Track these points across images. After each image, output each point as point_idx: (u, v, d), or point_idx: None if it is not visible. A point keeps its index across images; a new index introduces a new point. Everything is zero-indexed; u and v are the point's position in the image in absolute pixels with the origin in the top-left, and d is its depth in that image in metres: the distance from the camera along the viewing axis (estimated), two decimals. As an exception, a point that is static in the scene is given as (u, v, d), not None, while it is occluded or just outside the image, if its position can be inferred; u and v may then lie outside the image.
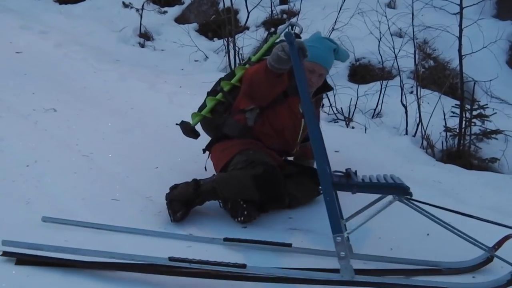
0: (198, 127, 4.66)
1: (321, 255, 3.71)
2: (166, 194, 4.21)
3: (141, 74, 8.03)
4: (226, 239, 3.83)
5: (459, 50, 6.32)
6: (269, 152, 4.47)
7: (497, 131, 6.48)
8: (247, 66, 4.71)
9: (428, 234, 3.91)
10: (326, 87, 4.80)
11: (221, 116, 4.63)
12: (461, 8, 6.23)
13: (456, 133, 6.44)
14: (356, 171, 3.56)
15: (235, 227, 4.11)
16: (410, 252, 3.71)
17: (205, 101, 4.74)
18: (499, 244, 3.53)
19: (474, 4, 6.74)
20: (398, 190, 3.19)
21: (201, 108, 4.76)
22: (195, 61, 9.77)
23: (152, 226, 4.03)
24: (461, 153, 6.38)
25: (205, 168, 4.68)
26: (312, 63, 4.35)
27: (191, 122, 4.56)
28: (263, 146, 4.49)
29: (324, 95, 5.48)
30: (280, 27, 4.99)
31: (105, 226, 3.97)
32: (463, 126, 6.38)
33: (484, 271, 3.52)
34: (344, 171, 3.57)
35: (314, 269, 3.39)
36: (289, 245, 3.79)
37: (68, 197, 4.46)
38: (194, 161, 5.15)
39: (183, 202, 4.15)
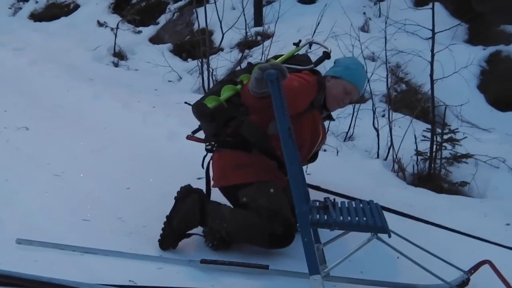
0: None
1: (298, 277, 3.70)
2: (169, 217, 4.06)
3: (115, 93, 8.01)
4: (203, 261, 3.78)
5: (431, 75, 6.38)
6: (281, 177, 4.12)
7: (467, 155, 6.53)
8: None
9: (398, 257, 3.93)
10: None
11: (237, 110, 4.12)
12: (433, 33, 6.30)
13: (427, 156, 6.49)
14: (334, 199, 3.57)
15: (207, 249, 4.09)
16: (380, 275, 3.73)
17: (218, 89, 4.19)
18: (475, 268, 3.58)
19: (446, 30, 6.81)
20: (377, 229, 3.22)
21: (213, 92, 4.22)
22: (169, 81, 9.78)
23: (123, 247, 4.02)
24: (431, 176, 6.43)
25: (202, 165, 4.53)
26: (353, 85, 4.28)
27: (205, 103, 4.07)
28: (278, 171, 4.16)
29: None
30: (303, 43, 4.74)
31: (78, 248, 3.94)
32: (434, 150, 6.43)
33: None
34: (322, 200, 3.56)
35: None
36: (266, 267, 3.76)
37: (39, 216, 4.44)
38: (167, 182, 5.15)
39: (180, 235, 4.06)
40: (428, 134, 6.45)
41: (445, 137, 6.49)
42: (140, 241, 4.08)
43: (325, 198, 3.57)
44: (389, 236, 3.20)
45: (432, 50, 6.31)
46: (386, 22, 6.91)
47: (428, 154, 6.47)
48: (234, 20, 9.76)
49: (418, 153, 6.51)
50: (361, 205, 3.56)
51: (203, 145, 5.78)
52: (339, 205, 3.52)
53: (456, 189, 6.34)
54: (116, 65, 10.56)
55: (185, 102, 4.46)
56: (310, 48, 4.91)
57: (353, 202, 3.63)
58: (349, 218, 3.35)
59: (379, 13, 10.36)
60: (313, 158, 4.62)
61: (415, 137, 6.50)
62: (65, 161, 5.62)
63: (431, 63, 6.35)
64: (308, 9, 10.93)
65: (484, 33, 10.20)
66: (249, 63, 4.59)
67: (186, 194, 4.13)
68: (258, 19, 10.98)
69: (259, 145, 4.15)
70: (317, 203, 3.52)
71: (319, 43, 4.85)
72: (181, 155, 5.88)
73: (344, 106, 4.45)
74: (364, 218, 3.32)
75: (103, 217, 4.49)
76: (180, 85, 9.55)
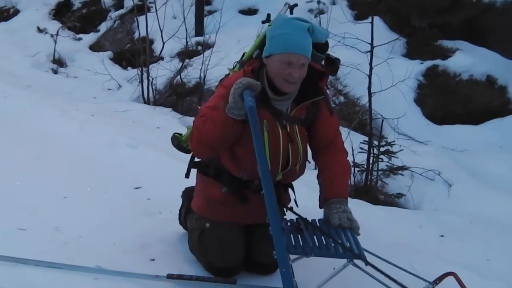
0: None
1: None
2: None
3: (54, 101, 7.93)
4: (169, 276, 3.72)
5: (369, 88, 6.48)
6: (233, 216, 3.89)
7: (403, 168, 6.64)
8: (235, 70, 3.98)
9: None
10: (318, 91, 3.82)
11: None
12: (372, 47, 6.40)
13: (363, 168, 6.58)
14: (306, 218, 3.57)
15: (144, 261, 4.04)
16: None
17: None
18: (440, 279, 3.64)
19: (384, 44, 6.92)
20: (354, 257, 3.26)
21: None
22: (108, 89, 9.74)
23: (60, 256, 3.96)
24: (368, 188, 6.52)
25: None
26: (285, 54, 3.50)
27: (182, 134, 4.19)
28: (228, 212, 3.88)
29: None
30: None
31: (10, 258, 3.86)
32: (371, 162, 6.52)
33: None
34: (293, 220, 3.58)
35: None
36: (234, 281, 3.74)
37: (-26, 224, 4.35)
38: (104, 191, 5.13)
39: None
40: (365, 146, 6.54)
41: (382, 149, 6.59)
42: (77, 251, 4.04)
43: (297, 219, 3.57)
44: (366, 265, 3.25)
45: (370, 64, 6.41)
46: (325, 35, 6.97)
47: (365, 166, 6.56)
48: (175, 29, 9.73)
49: (355, 165, 6.58)
50: (334, 229, 3.57)
51: (140, 155, 5.79)
52: (310, 225, 3.52)
53: (392, 200, 6.44)
54: (55, 72, 10.47)
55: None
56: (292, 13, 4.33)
57: (326, 226, 3.63)
58: (324, 242, 3.38)
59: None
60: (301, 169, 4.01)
61: (352, 149, 6.55)
62: (2, 169, 5.52)
63: (369, 76, 6.44)
64: (249, 20, 11.01)
65: (421, 48, 10.39)
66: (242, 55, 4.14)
67: None
68: (199, 29, 11.01)
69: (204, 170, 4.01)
70: (289, 224, 3.53)
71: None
72: (118, 164, 5.84)
73: (298, 79, 3.56)
74: (339, 241, 3.36)
75: (39, 227, 4.40)
76: (119, 94, 9.51)
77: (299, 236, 3.42)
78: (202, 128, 3.56)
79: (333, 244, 3.35)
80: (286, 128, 3.69)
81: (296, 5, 4.14)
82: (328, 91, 6.93)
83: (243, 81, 3.36)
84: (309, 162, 4.05)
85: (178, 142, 4.18)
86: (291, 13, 4.30)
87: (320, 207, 3.75)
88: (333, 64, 3.94)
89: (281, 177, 3.79)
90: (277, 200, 3.43)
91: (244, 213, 3.86)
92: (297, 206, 4.04)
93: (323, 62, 3.96)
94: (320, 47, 3.86)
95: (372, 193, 6.43)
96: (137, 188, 5.11)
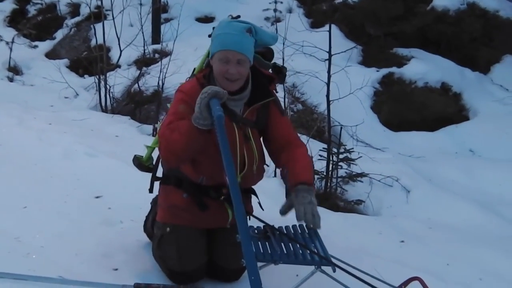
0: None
1: None
2: None
3: (10, 109, 7.81)
4: (137, 286, 3.63)
5: (327, 95, 6.53)
6: (194, 220, 3.88)
7: (362, 174, 6.71)
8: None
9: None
10: (267, 94, 3.84)
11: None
12: (330, 55, 6.46)
13: (323, 175, 6.63)
14: (273, 226, 3.59)
15: (107, 271, 3.97)
16: None
17: None
18: (405, 284, 3.67)
19: (342, 52, 7.00)
20: (322, 263, 3.28)
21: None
22: (65, 97, 9.67)
23: (22, 268, 3.92)
24: (328, 195, 6.57)
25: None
26: (222, 51, 3.60)
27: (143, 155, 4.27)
28: (188, 216, 3.87)
29: None
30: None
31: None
32: (330, 169, 6.57)
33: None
34: (260, 227, 3.59)
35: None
36: None
37: None
38: (64, 200, 5.07)
39: None
40: (324, 154, 6.59)
41: (341, 156, 6.66)
42: (39, 262, 3.99)
43: (264, 226, 3.58)
44: (334, 271, 3.26)
45: (328, 71, 6.47)
46: (284, 43, 7.01)
47: (325, 173, 6.60)
48: (132, 37, 9.71)
49: (314, 172, 6.62)
50: (299, 231, 3.64)
51: (99, 164, 5.74)
52: (277, 232, 3.54)
53: (352, 207, 6.50)
54: (11, 80, 10.36)
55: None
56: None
57: (291, 228, 3.69)
58: (291, 249, 3.39)
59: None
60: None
61: (311, 156, 6.61)
62: (-43, 179, 5.44)
63: (328, 84, 6.50)
64: (205, 28, 10.98)
65: (377, 56, 10.53)
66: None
67: None
68: (156, 37, 11.02)
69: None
70: (256, 231, 3.54)
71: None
72: (77, 173, 5.78)
73: (235, 76, 3.61)
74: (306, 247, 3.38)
75: (-1, 237, 4.36)
76: (77, 102, 9.45)
77: (266, 243, 3.44)
78: (170, 138, 3.55)
79: (301, 251, 3.37)
80: (241, 128, 3.73)
81: (238, 16, 4.18)
82: (285, 97, 7.01)
83: (208, 90, 3.35)
84: (268, 166, 4.09)
85: (139, 162, 4.24)
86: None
87: (287, 195, 3.74)
88: (280, 72, 3.99)
89: (239, 179, 3.71)
90: None
91: (204, 217, 3.86)
92: (262, 209, 4.06)
93: (270, 70, 4.01)
94: (266, 55, 3.95)
95: (332, 200, 6.48)
96: (97, 197, 5.06)
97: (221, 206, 3.78)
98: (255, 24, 3.76)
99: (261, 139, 3.94)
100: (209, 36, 3.91)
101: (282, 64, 4.11)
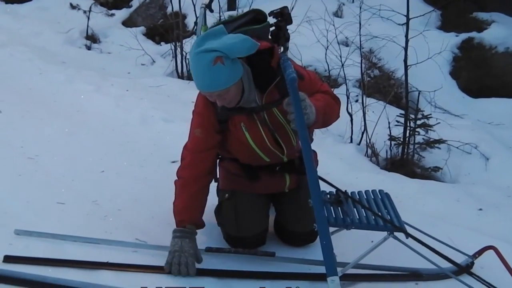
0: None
1: (304, 264, 3.70)
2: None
3: (88, 77, 7.94)
4: (208, 249, 3.73)
5: (405, 60, 6.41)
6: (256, 188, 3.91)
7: (440, 141, 6.59)
8: None
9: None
10: (272, 73, 3.58)
11: None
12: (408, 19, 6.33)
13: (400, 142, 6.54)
14: (346, 191, 3.56)
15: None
16: (387, 260, 3.71)
17: None
18: (480, 253, 3.63)
19: (420, 16, 6.85)
20: (395, 229, 3.25)
21: None
22: (142, 64, 9.72)
23: (99, 230, 3.97)
24: (404, 161, 6.48)
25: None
26: (200, 91, 3.58)
27: None
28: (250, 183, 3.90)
29: None
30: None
31: (48, 235, 3.83)
32: (407, 135, 6.48)
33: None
34: (332, 192, 3.58)
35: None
36: (273, 254, 3.73)
37: (12, 199, 4.34)
38: (140, 165, 5.15)
39: None
40: (402, 120, 6.50)
41: (418, 122, 6.54)
42: (116, 225, 4.06)
43: (337, 192, 3.56)
44: (407, 237, 3.23)
45: (406, 36, 6.34)
46: (360, 8, 6.90)
47: (401, 139, 6.52)
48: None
49: (391, 138, 6.55)
50: (372, 197, 3.63)
51: (175, 129, 5.77)
52: (350, 198, 3.52)
53: (429, 174, 6.40)
54: (88, 48, 10.47)
55: None
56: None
57: (364, 193, 3.68)
58: (364, 215, 3.38)
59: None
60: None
61: (388, 122, 6.54)
62: (38, 144, 5.55)
63: (405, 48, 6.37)
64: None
65: (456, 20, 10.28)
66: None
67: None
68: (232, 3, 10.94)
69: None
70: (328, 197, 3.54)
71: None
72: (154, 139, 5.87)
73: (225, 104, 3.50)
74: (379, 214, 3.37)
75: (78, 201, 4.42)
76: (153, 69, 9.50)
77: (339, 208, 3.42)
78: (176, 193, 3.81)
79: (373, 217, 3.34)
80: (266, 123, 3.65)
81: (211, 0, 4.11)
82: (362, 62, 6.92)
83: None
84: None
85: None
86: (211, 11, 4.86)
87: None
88: (278, 36, 3.85)
89: (285, 159, 3.80)
90: (300, 171, 3.66)
91: (261, 184, 3.90)
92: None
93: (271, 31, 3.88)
94: (258, 19, 3.81)
95: (409, 167, 6.40)
96: (173, 162, 5.08)
97: (276, 173, 3.86)
98: (227, 39, 3.36)
99: None
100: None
101: (277, 10, 3.87)
